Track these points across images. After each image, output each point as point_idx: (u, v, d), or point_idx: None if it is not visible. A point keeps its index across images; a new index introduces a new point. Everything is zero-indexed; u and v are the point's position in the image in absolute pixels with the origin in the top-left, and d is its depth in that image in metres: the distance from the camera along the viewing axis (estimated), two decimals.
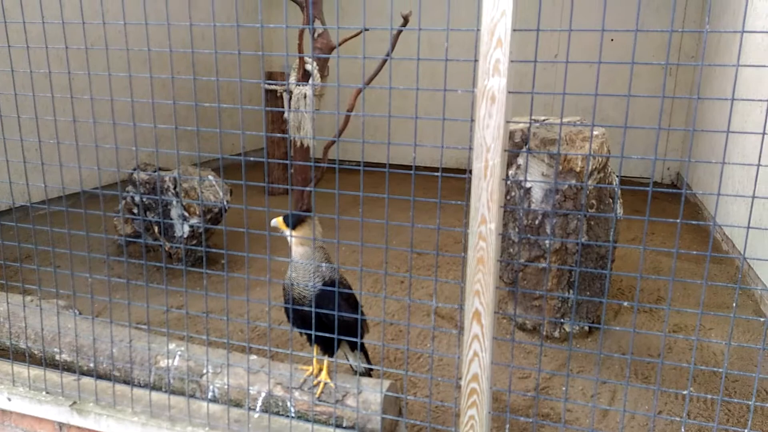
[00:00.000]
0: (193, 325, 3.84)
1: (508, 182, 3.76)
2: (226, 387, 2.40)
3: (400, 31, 5.33)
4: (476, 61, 1.51)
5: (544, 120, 3.84)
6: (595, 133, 3.50)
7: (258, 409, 2.35)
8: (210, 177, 4.67)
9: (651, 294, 4.61)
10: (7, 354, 2.58)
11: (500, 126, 1.48)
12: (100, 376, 2.51)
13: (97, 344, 2.56)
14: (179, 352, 2.52)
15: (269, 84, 7.71)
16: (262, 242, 5.43)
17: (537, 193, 3.60)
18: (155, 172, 4.82)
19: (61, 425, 2.15)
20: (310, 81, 5.62)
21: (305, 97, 5.55)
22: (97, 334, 2.55)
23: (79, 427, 2.12)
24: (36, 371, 2.25)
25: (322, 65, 5.79)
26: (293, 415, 2.30)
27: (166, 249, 4.83)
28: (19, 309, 2.70)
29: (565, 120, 3.82)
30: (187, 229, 4.62)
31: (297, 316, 2.38)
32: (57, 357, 2.64)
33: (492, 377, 1.65)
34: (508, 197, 3.78)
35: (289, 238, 2.32)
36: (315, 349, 2.39)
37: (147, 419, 2.03)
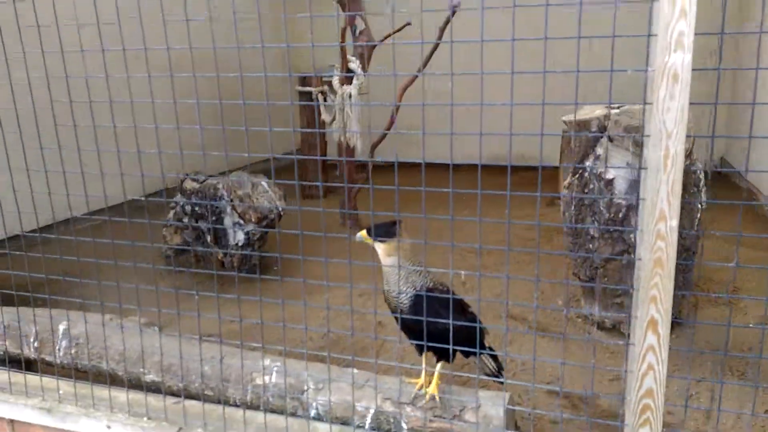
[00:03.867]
0: (267, 335, 3.68)
1: (587, 174, 3.57)
2: (329, 404, 2.25)
3: (447, 22, 5.16)
4: (652, 35, 1.33)
5: (617, 106, 3.64)
6: None
7: (368, 426, 2.19)
8: (263, 183, 4.53)
9: (726, 285, 4.39)
10: (86, 376, 2.45)
11: (684, 108, 1.30)
12: (191, 396, 2.37)
13: (187, 363, 2.42)
14: (275, 368, 2.37)
15: (303, 86, 7.57)
16: (318, 246, 5.28)
17: (621, 185, 3.41)
18: (206, 179, 4.70)
19: None
20: (354, 80, 5.46)
21: (350, 96, 5.39)
22: (184, 352, 2.41)
23: None
24: (134, 395, 2.11)
25: (364, 63, 5.63)
26: None
27: (219, 258, 4.69)
28: (99, 329, 2.56)
29: (636, 107, 3.61)
30: (242, 236, 4.48)
31: (403, 326, 2.23)
32: (143, 378, 2.50)
33: (663, 391, 1.48)
34: (586, 190, 3.59)
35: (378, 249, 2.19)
36: (424, 360, 2.23)
37: None
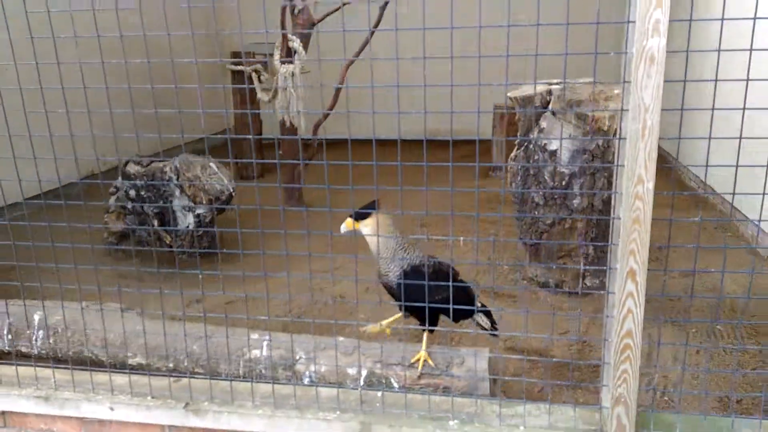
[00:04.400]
0: (242, 310, 3.70)
1: (531, 146, 3.82)
2: (322, 371, 2.37)
3: (385, 5, 5.25)
4: (631, 22, 1.52)
5: (557, 83, 3.90)
6: (616, 91, 3.60)
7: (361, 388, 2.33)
8: (212, 164, 4.50)
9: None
10: (67, 365, 2.42)
11: (659, 86, 1.50)
12: (182, 375, 2.41)
13: (174, 342, 2.46)
14: (265, 341, 2.45)
15: (235, 64, 7.45)
16: (273, 224, 5.29)
17: (564, 155, 3.68)
18: (150, 162, 4.61)
19: (170, 428, 2.06)
20: (296, 59, 5.47)
21: (293, 75, 5.40)
22: (168, 333, 2.44)
23: (191, 428, 2.04)
24: (135, 377, 2.13)
25: (305, 42, 5.64)
26: (397, 390, 2.30)
27: (168, 242, 4.64)
28: (77, 315, 2.54)
29: (577, 81, 3.89)
30: (192, 218, 4.45)
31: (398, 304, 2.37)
32: (129, 361, 2.52)
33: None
34: (531, 161, 3.84)
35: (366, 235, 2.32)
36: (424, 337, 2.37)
37: (272, 411, 1.97)
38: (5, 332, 2.56)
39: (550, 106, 3.75)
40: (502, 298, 4.16)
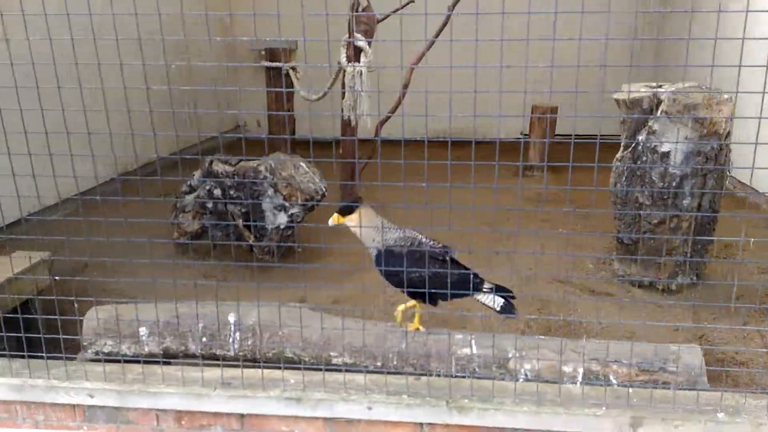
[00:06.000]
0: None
1: (639, 147, 3.92)
2: (537, 368, 2.40)
3: (454, 5, 5.29)
4: None
5: (659, 86, 4.02)
6: (725, 96, 3.74)
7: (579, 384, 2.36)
8: (302, 163, 4.45)
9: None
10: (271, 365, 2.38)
11: None
12: (390, 374, 2.40)
13: (383, 342, 2.45)
14: (472, 340, 2.46)
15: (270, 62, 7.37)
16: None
17: (677, 157, 3.79)
18: (239, 161, 4.52)
19: (426, 426, 2.04)
20: (363, 58, 5.44)
21: (361, 74, 5.37)
22: (370, 333, 2.43)
23: (447, 425, 2.03)
24: (375, 377, 2.12)
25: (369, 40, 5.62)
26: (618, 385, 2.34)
27: (251, 241, 4.55)
28: (273, 317, 2.50)
29: (678, 87, 4.01)
30: (284, 218, 4.39)
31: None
32: (334, 360, 2.48)
33: None
34: (639, 162, 3.95)
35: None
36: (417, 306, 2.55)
37: (537, 407, 1.99)
38: (199, 335, 2.48)
39: (660, 110, 3.86)
40: (596, 295, 4.26)
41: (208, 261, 4.65)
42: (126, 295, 3.78)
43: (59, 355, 2.40)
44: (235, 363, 2.39)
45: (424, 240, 2.53)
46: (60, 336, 2.37)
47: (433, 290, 2.39)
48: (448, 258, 2.50)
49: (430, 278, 2.37)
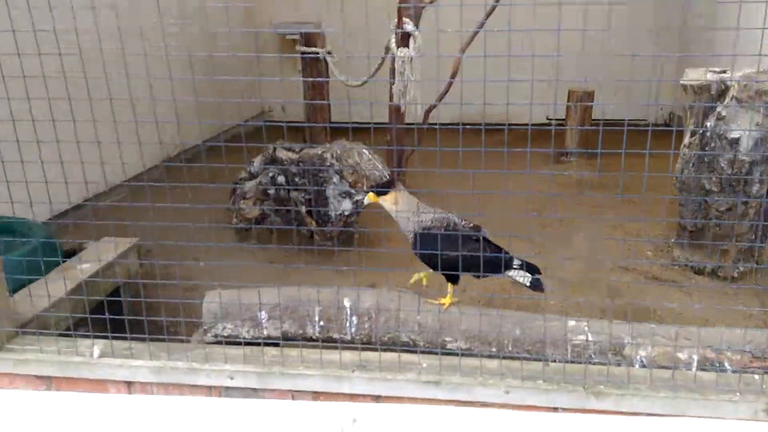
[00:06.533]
0: None
1: (708, 133, 3.95)
2: (653, 355, 2.44)
3: None
4: None
5: (724, 71, 4.03)
6: None
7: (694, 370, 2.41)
8: (365, 150, 4.47)
9: None
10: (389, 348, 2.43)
11: None
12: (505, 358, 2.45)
13: (498, 328, 2.49)
14: (585, 327, 2.51)
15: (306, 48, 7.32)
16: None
17: (747, 143, 3.82)
18: (303, 149, 4.54)
19: (559, 410, 2.10)
20: (412, 43, 5.43)
21: (411, 60, 5.37)
22: (484, 319, 2.48)
23: (584, 409, 2.08)
24: (506, 362, 2.17)
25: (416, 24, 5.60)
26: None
27: (313, 227, 4.58)
28: (387, 302, 2.54)
29: (746, 72, 4.03)
30: (349, 205, 4.42)
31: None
32: (448, 345, 2.53)
33: None
34: (707, 148, 3.98)
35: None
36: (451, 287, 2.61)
37: (674, 393, 2.04)
38: (317, 318, 2.53)
39: (729, 96, 3.88)
40: (661, 281, 4.31)
41: (268, 246, 4.70)
42: (193, 280, 3.82)
43: (179, 337, 2.45)
44: (353, 346, 2.43)
45: (456, 220, 2.61)
46: (182, 319, 2.42)
47: (468, 272, 2.47)
48: (481, 238, 2.59)
49: (466, 258, 2.45)
